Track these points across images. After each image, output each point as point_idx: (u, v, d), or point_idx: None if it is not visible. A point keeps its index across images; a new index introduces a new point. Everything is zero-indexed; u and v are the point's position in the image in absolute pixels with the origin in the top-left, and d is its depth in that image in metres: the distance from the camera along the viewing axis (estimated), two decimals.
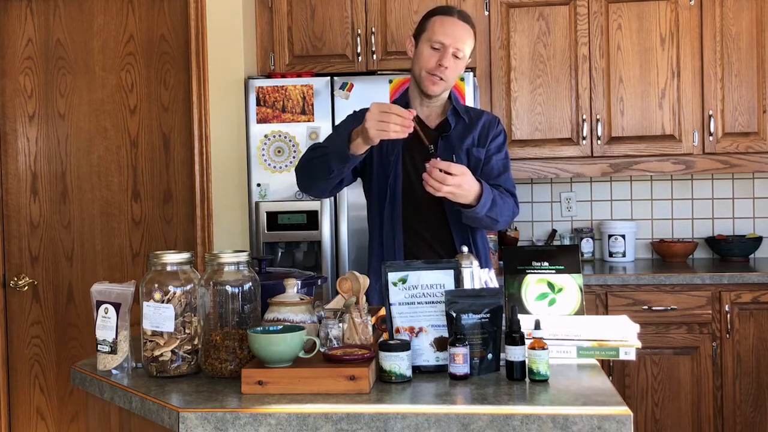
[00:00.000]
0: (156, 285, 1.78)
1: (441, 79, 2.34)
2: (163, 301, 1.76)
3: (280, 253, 3.47)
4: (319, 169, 2.25)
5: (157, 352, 1.76)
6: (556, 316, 1.94)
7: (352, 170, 2.35)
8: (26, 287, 3.68)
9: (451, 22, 2.33)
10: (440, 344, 1.74)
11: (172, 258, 1.80)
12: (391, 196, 2.40)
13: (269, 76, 3.59)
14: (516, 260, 2.00)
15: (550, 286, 1.97)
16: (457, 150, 2.41)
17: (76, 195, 3.67)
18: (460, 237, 2.39)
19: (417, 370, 1.72)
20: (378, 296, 2.19)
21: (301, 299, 1.83)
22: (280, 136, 3.44)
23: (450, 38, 2.31)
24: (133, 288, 1.82)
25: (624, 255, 3.91)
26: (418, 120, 2.22)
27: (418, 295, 1.77)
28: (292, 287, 1.84)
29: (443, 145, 2.41)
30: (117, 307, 1.80)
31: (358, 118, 2.47)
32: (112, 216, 3.66)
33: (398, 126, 2.04)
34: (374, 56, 3.68)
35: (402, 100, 2.48)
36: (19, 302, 3.70)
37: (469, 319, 1.70)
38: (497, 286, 2.01)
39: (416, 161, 2.37)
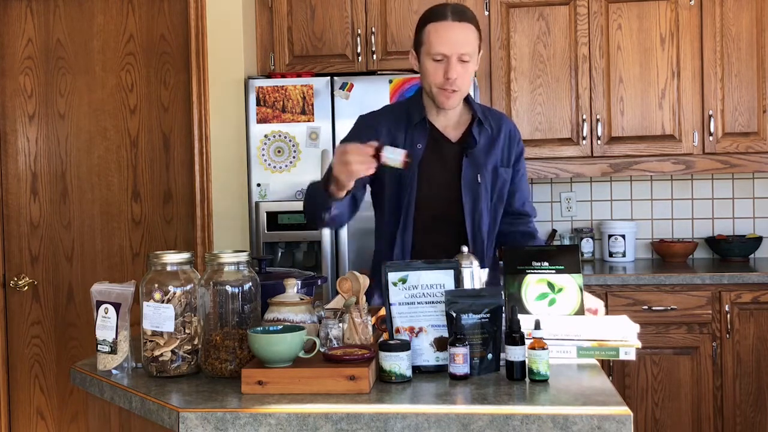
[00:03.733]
0: (156, 285, 1.78)
1: (454, 90, 2.20)
2: (163, 301, 1.76)
3: (280, 253, 3.47)
4: (317, 210, 2.17)
5: (157, 352, 1.76)
6: (556, 316, 1.94)
7: (361, 187, 2.26)
8: (26, 287, 3.67)
9: (446, 27, 2.18)
10: (440, 344, 1.74)
11: (172, 258, 1.80)
12: (403, 222, 2.27)
13: (269, 76, 3.59)
14: (516, 260, 2.00)
15: (550, 286, 1.97)
16: (482, 170, 2.28)
17: (76, 195, 3.67)
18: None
19: (417, 370, 1.72)
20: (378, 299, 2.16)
21: (301, 299, 1.83)
22: (280, 136, 3.44)
23: (448, 46, 2.16)
24: (133, 288, 1.82)
25: (624, 255, 3.90)
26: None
27: (418, 295, 1.77)
28: (292, 287, 1.84)
29: (468, 163, 2.27)
30: (117, 307, 1.80)
31: (365, 123, 2.36)
32: (112, 216, 3.66)
33: (361, 164, 1.91)
34: (374, 56, 3.68)
35: (416, 105, 2.31)
36: (19, 302, 3.70)
37: (469, 319, 1.70)
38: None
39: (433, 182, 2.26)
